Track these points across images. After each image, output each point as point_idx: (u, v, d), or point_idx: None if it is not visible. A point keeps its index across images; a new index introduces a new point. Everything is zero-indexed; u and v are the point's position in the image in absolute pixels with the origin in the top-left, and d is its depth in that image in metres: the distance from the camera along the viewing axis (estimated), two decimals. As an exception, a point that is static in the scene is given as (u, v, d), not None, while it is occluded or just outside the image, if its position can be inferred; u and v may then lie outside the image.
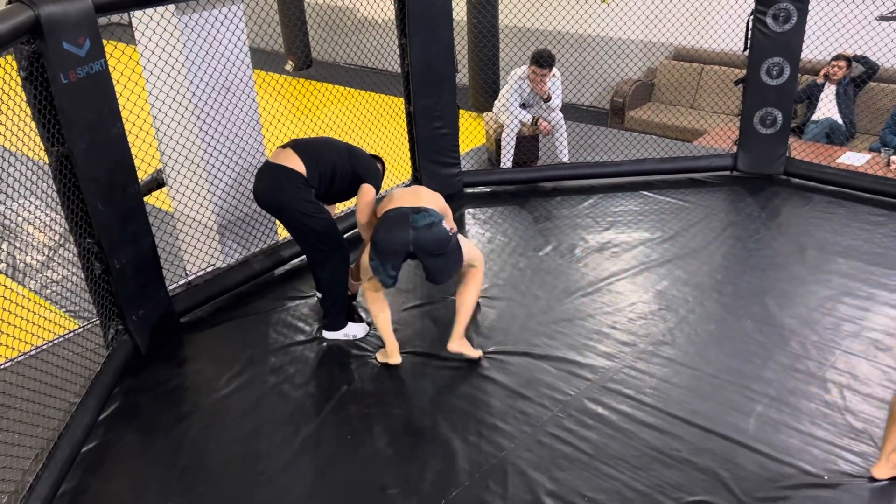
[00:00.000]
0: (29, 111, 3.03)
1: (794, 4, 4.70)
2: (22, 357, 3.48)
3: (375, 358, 3.58)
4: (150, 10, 3.68)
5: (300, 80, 7.33)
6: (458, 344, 3.49)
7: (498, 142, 5.81)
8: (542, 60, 5.38)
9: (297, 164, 3.54)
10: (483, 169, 5.90)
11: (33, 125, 3.07)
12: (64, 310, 4.68)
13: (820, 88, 6.44)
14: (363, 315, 3.86)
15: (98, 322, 3.60)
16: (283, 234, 4.59)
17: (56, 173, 3.18)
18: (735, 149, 5.32)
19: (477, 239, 4.65)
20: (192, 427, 3.22)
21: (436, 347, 3.60)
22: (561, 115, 5.73)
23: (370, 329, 3.77)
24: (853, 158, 5.64)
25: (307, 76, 8.78)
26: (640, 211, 4.90)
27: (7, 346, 2.95)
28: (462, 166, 5.28)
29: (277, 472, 2.95)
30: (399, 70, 4.91)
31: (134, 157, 3.44)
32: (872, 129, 6.49)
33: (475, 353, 3.52)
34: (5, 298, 2.87)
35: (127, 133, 3.37)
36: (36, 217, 3.55)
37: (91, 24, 3.07)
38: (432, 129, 5.01)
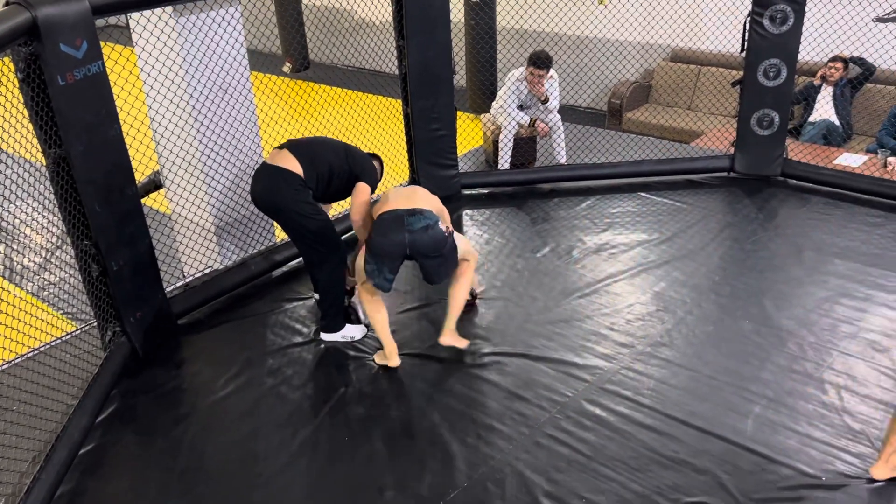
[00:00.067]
0: (26, 113, 3.03)
1: (790, 6, 4.71)
2: (19, 359, 3.48)
3: (373, 360, 3.58)
4: (147, 12, 3.67)
5: (298, 81, 7.34)
6: (450, 338, 3.53)
7: (495, 143, 5.81)
8: (540, 61, 5.38)
9: (293, 165, 3.54)
10: (481, 170, 5.91)
11: (31, 127, 3.06)
12: (61, 312, 4.67)
13: (817, 90, 6.46)
14: (361, 317, 3.86)
15: (95, 324, 3.60)
16: (280, 235, 4.59)
17: (53, 175, 3.17)
18: (732, 150, 5.33)
19: (475, 240, 4.65)
20: (189, 429, 3.22)
21: (434, 349, 3.60)
22: (558, 116, 5.73)
23: (368, 331, 3.77)
24: (850, 160, 5.65)
25: (305, 78, 8.78)
26: (637, 212, 4.91)
27: (4, 349, 2.94)
28: (460, 168, 5.28)
29: (275, 473, 2.95)
30: (397, 72, 4.91)
31: (131, 158, 3.43)
32: (869, 130, 6.50)
33: (464, 343, 3.57)
34: (3, 301, 2.86)
35: (124, 135, 3.36)
36: (33, 219, 3.54)
37: (88, 26, 3.07)
38: (430, 131, 5.01)
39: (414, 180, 5.19)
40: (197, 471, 3.00)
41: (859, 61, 6.21)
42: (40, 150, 3.13)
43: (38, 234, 5.28)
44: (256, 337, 3.82)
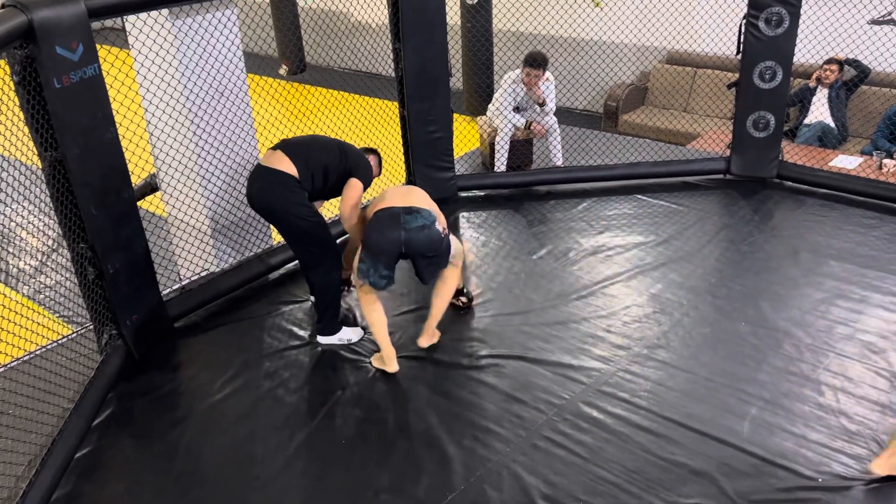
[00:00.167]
0: (22, 116, 3.03)
1: (786, 8, 4.73)
2: (15, 362, 3.46)
3: (370, 362, 3.57)
4: (143, 15, 3.67)
5: (294, 84, 7.33)
6: (428, 339, 3.59)
7: (492, 145, 5.82)
8: (535, 61, 5.39)
9: (287, 166, 3.53)
10: (477, 173, 5.91)
11: (26, 130, 3.06)
12: (57, 315, 4.66)
13: (812, 92, 6.47)
14: (358, 319, 3.86)
15: (91, 327, 3.59)
16: (276, 238, 4.58)
17: (49, 178, 3.17)
18: (728, 152, 5.34)
19: (472, 243, 4.65)
20: (186, 432, 3.21)
21: (430, 351, 3.60)
22: (555, 118, 5.74)
23: (365, 333, 3.77)
24: (845, 161, 5.67)
25: (301, 80, 8.78)
26: (633, 214, 4.91)
27: (0, 352, 2.94)
28: (456, 170, 5.28)
29: (272, 476, 2.95)
30: (393, 74, 4.91)
31: (127, 161, 3.43)
32: (864, 132, 6.51)
33: (437, 335, 3.64)
34: (-2, 304, 2.86)
35: (120, 137, 3.36)
36: (29, 222, 3.53)
37: (84, 29, 3.07)
38: (426, 133, 5.01)
39: (410, 182, 5.18)
40: (193, 474, 2.99)
41: (854, 63, 6.23)
42: (36, 153, 3.13)
43: (34, 237, 5.27)
44: (253, 340, 3.82)
